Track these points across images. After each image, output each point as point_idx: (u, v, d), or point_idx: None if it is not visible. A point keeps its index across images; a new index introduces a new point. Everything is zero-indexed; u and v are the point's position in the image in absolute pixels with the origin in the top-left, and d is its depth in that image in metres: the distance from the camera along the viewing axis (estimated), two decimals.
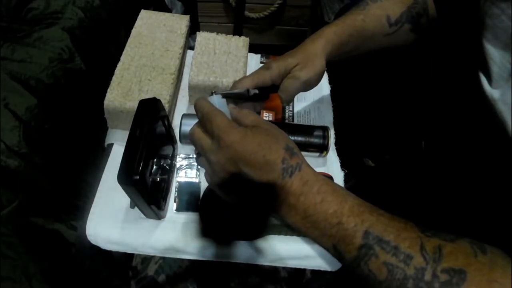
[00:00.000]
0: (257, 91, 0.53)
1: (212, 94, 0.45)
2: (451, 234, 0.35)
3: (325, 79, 0.80)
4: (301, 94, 0.59)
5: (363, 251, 0.36)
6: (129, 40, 0.69)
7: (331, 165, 0.66)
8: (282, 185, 0.40)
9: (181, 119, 0.60)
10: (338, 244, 0.38)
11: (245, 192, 0.41)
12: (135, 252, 0.56)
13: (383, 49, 0.63)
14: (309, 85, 0.56)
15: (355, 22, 0.59)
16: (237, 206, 0.53)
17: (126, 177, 0.44)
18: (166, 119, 0.56)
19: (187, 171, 0.61)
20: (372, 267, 0.35)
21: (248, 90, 0.52)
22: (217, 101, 0.44)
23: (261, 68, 0.55)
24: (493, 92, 0.48)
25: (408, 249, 0.34)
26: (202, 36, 0.72)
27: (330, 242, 0.39)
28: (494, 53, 0.47)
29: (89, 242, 0.55)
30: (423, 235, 0.35)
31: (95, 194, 0.57)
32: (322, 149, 0.63)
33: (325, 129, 0.63)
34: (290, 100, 0.57)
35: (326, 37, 0.57)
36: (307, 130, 0.63)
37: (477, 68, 0.51)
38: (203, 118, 0.41)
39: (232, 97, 0.53)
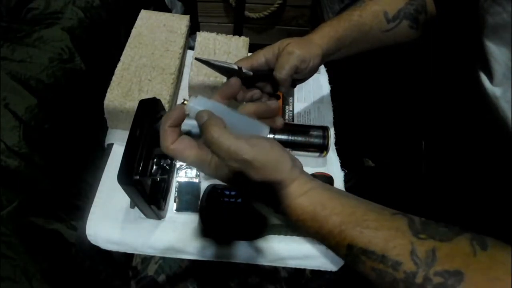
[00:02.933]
0: (251, 73, 0.52)
1: (184, 101, 0.42)
2: (451, 230, 0.35)
3: (325, 79, 0.80)
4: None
5: (349, 258, 0.36)
6: (129, 40, 0.69)
7: (331, 165, 0.66)
8: (286, 186, 0.39)
9: None
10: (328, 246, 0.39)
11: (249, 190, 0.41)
12: (135, 252, 0.56)
13: (384, 45, 0.63)
14: (304, 62, 0.53)
15: (351, 17, 0.59)
16: (237, 206, 0.53)
17: (126, 177, 0.44)
18: None
19: (187, 171, 0.61)
20: (361, 270, 0.36)
21: (240, 68, 0.50)
22: (201, 104, 0.40)
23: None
24: (494, 90, 0.48)
25: (396, 256, 0.34)
26: (202, 36, 0.72)
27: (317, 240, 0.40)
28: (496, 51, 0.47)
29: (89, 242, 0.55)
30: (416, 239, 0.34)
31: (95, 194, 0.57)
32: (322, 149, 0.63)
33: (325, 129, 0.63)
34: (287, 80, 0.54)
35: (322, 30, 0.57)
36: (307, 130, 0.63)
37: (477, 67, 0.51)
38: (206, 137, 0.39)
39: (223, 72, 0.51)
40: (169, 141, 0.40)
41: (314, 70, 0.56)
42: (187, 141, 0.40)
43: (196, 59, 0.44)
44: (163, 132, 0.40)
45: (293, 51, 0.53)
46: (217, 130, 0.38)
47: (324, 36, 0.57)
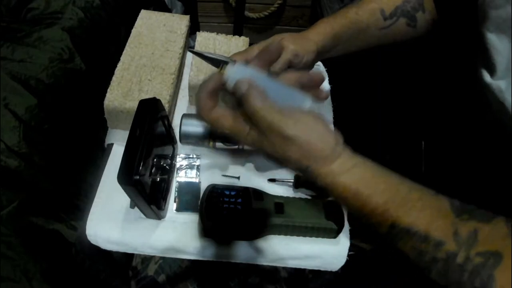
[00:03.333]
0: None
1: (223, 65, 0.40)
2: (487, 213, 0.35)
3: (325, 79, 0.80)
4: None
5: (389, 236, 0.36)
6: (129, 40, 0.69)
7: None
8: (330, 164, 0.39)
9: (181, 119, 0.60)
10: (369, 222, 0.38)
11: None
12: (135, 252, 0.56)
13: (382, 44, 0.63)
14: (297, 57, 0.53)
15: (347, 14, 0.59)
16: (237, 206, 0.53)
17: (126, 177, 0.44)
18: (166, 119, 0.56)
19: (187, 171, 0.61)
20: (399, 248, 0.36)
21: (235, 62, 0.49)
22: (240, 72, 0.38)
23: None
24: (499, 83, 0.47)
25: (439, 237, 0.34)
26: (202, 36, 0.72)
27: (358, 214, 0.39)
28: (498, 44, 0.47)
29: (89, 242, 0.55)
30: (458, 220, 0.34)
31: (95, 194, 0.57)
32: None
33: None
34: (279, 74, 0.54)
35: (318, 26, 0.58)
36: None
37: (478, 62, 0.51)
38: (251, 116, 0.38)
39: (217, 65, 0.49)
40: (206, 110, 0.39)
41: (309, 66, 0.56)
42: (223, 111, 0.40)
43: (189, 50, 0.44)
44: (199, 100, 0.39)
45: (287, 45, 0.53)
46: (259, 102, 0.37)
47: (319, 33, 0.57)
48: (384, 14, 0.60)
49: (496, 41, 0.47)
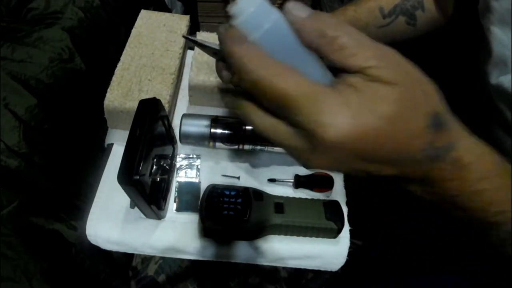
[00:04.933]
0: None
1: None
2: None
3: None
4: None
5: None
6: (129, 40, 0.69)
7: None
8: (422, 171, 0.27)
9: (181, 119, 0.60)
10: (489, 229, 0.30)
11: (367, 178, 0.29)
12: (135, 252, 0.56)
13: (382, 41, 0.62)
14: None
15: (346, 11, 0.59)
16: (237, 206, 0.53)
17: (126, 177, 0.44)
18: (166, 119, 0.56)
19: (187, 171, 0.61)
20: None
21: None
22: (259, 11, 0.23)
23: None
24: (509, 77, 0.46)
25: None
26: (202, 36, 0.72)
27: (472, 222, 0.30)
28: (503, 37, 0.46)
29: (89, 242, 0.54)
30: None
31: (95, 194, 0.57)
32: None
33: None
34: None
35: None
36: None
37: (482, 58, 0.50)
38: (261, 90, 0.24)
39: (211, 53, 0.46)
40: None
41: None
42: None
43: (184, 37, 0.41)
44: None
45: None
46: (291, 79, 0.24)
47: None
48: (383, 12, 0.59)
49: (500, 34, 0.46)
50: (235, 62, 0.24)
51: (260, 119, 0.26)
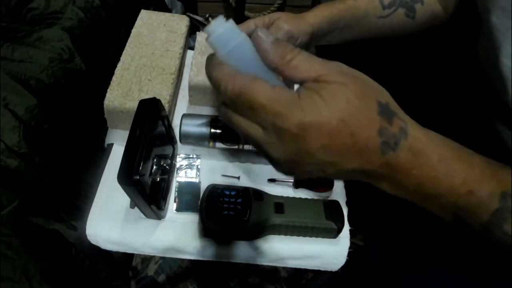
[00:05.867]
0: None
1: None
2: None
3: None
4: None
5: (498, 214, 0.30)
6: (129, 40, 0.69)
7: None
8: (382, 163, 0.29)
9: (181, 119, 0.60)
10: (463, 215, 0.31)
11: (327, 176, 0.31)
12: (135, 252, 0.56)
13: (380, 34, 0.62)
14: (292, 38, 0.53)
15: (346, 0, 0.60)
16: (237, 206, 0.53)
17: (126, 177, 0.44)
18: (166, 119, 0.56)
19: (187, 171, 0.61)
20: (507, 229, 0.30)
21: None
22: (227, 32, 0.28)
23: None
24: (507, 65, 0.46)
25: None
26: (202, 36, 0.72)
27: (450, 212, 0.32)
28: (502, 26, 0.46)
29: (89, 242, 0.55)
30: None
31: (95, 194, 0.57)
32: None
33: None
34: None
35: (316, 10, 0.59)
36: None
37: (480, 48, 0.50)
38: (233, 98, 0.28)
39: None
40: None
41: (304, 47, 0.56)
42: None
43: (187, 15, 0.42)
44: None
45: (282, 25, 0.54)
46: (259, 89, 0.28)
47: (317, 16, 0.58)
48: (383, 3, 0.60)
49: (502, 26, 0.45)
50: (212, 82, 0.29)
51: (238, 122, 0.30)
